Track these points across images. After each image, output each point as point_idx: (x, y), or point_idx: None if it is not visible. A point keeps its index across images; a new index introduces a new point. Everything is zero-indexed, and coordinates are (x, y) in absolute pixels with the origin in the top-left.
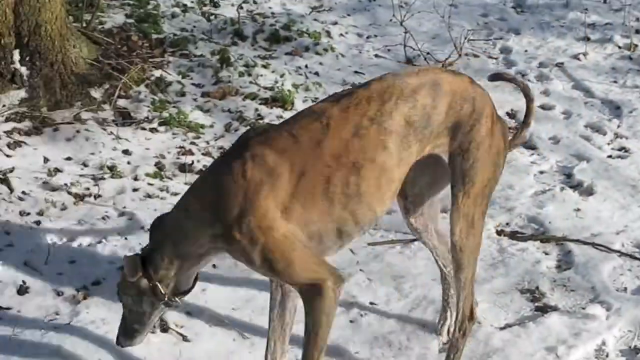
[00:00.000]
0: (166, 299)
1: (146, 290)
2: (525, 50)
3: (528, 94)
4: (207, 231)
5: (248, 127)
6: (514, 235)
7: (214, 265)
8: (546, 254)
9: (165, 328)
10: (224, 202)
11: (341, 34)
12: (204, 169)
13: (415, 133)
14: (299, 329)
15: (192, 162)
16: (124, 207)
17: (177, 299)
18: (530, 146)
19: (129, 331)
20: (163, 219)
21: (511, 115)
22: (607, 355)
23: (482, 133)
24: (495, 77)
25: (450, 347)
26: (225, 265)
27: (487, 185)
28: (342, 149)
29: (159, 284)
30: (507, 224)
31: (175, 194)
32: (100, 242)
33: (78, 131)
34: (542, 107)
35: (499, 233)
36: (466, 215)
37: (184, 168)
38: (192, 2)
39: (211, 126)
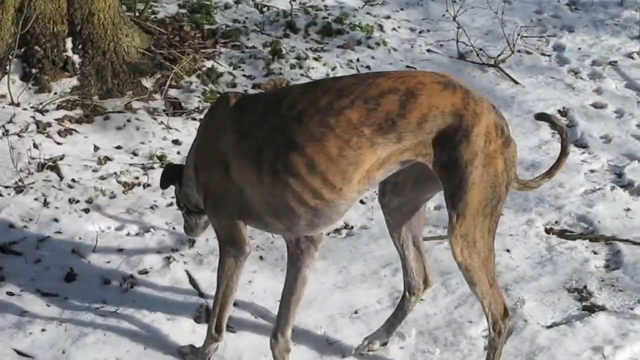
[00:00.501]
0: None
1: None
2: (579, 48)
3: (566, 147)
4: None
5: None
6: (562, 234)
7: (260, 257)
8: (595, 253)
9: None
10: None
11: (393, 28)
12: None
13: (374, 135)
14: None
15: None
16: (172, 197)
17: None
18: (581, 144)
19: (186, 228)
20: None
21: (562, 113)
22: None
23: (471, 150)
24: (541, 117)
25: (489, 347)
26: (271, 258)
27: (486, 205)
28: (283, 126)
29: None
30: (556, 222)
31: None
32: (148, 231)
33: (129, 120)
34: (594, 105)
35: (547, 231)
36: (464, 235)
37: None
38: None
39: None
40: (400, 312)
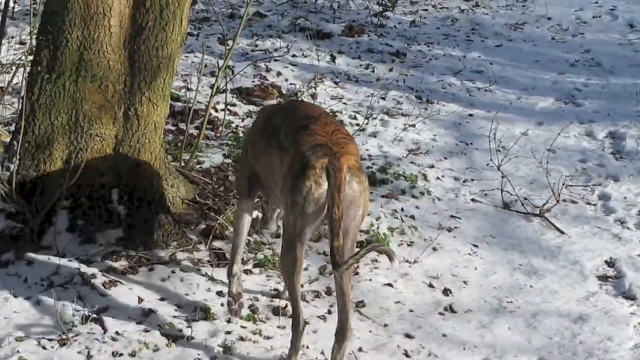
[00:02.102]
0: None
1: None
2: (625, 198)
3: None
4: None
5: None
6: None
7: None
8: None
9: None
10: None
11: (438, 178)
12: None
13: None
14: None
15: (286, 305)
16: (217, 351)
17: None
18: (629, 296)
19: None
20: None
21: (610, 264)
22: None
23: None
24: None
25: None
26: None
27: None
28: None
29: None
30: None
31: (269, 338)
32: None
33: (173, 272)
34: None
35: None
36: None
37: (277, 311)
38: None
39: (306, 269)
40: None
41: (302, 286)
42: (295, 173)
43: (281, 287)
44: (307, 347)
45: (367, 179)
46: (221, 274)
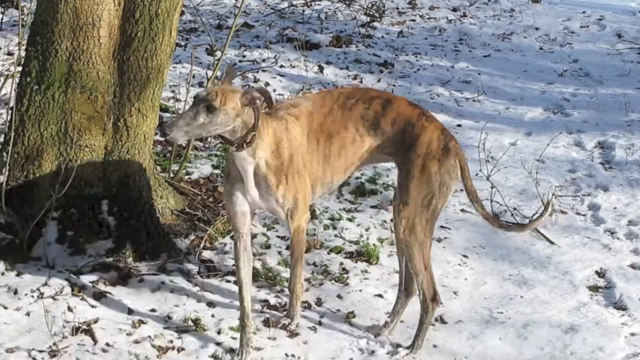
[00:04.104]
0: None
1: None
2: (614, 208)
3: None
4: None
5: (332, 282)
6: None
7: None
8: None
9: None
10: None
11: None
12: (290, 326)
13: (367, 127)
14: None
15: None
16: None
17: None
18: (620, 307)
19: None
20: None
21: (600, 274)
22: None
23: (416, 153)
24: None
25: (419, 322)
26: None
27: (424, 198)
28: (322, 120)
29: None
30: None
31: (259, 349)
32: None
33: (163, 282)
34: (632, 266)
35: None
36: (406, 218)
37: (268, 322)
38: None
39: None
40: (397, 307)
41: None
42: (437, 155)
43: (271, 299)
44: (298, 358)
45: None
46: (211, 285)
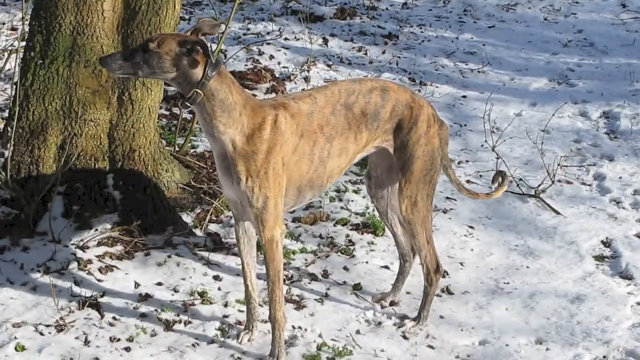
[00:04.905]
0: None
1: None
2: (620, 177)
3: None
4: None
5: (338, 254)
6: None
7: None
8: None
9: None
10: None
11: None
12: (295, 297)
13: (367, 122)
14: None
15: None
16: (214, 335)
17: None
18: (626, 276)
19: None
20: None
21: (606, 243)
22: None
23: (418, 133)
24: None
25: (423, 294)
26: None
27: (426, 174)
28: (323, 121)
29: None
30: (604, 357)
31: (265, 322)
32: None
33: (169, 256)
34: (638, 235)
35: None
36: (409, 196)
37: None
38: None
39: (302, 252)
40: (400, 276)
41: (298, 269)
42: (436, 130)
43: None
44: (305, 330)
45: None
46: (217, 257)
